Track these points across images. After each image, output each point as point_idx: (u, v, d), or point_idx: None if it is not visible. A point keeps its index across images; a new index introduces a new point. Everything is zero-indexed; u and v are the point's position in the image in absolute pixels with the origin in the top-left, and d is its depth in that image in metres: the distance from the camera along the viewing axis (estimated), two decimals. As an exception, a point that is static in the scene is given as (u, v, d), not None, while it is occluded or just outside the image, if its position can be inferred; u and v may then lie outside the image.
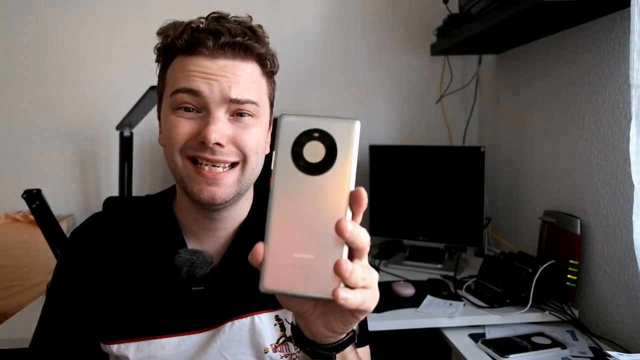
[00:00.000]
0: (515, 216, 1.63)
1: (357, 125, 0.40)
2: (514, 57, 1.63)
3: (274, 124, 0.39)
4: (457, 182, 1.58)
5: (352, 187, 0.40)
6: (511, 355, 1.03)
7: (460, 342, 1.13)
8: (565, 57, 1.33)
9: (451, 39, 1.55)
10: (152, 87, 1.39)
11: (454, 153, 1.61)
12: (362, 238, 0.40)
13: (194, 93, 0.64)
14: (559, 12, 1.14)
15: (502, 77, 1.72)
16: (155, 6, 1.74)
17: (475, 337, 1.14)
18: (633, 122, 0.96)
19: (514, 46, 1.60)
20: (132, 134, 1.61)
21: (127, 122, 1.55)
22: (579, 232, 1.23)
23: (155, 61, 0.72)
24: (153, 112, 1.59)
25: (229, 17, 0.69)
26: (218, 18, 0.68)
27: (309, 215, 0.40)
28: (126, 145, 1.60)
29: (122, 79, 1.75)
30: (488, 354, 1.06)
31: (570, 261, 1.23)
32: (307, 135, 0.40)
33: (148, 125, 1.66)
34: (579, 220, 1.23)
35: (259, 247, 0.40)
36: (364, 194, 0.40)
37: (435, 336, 1.22)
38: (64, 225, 1.55)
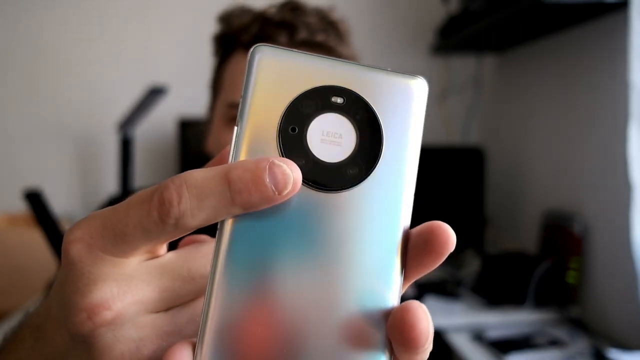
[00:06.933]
0: (515, 216, 1.63)
1: (423, 87, 0.21)
2: (513, 57, 1.63)
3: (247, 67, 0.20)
4: (457, 182, 1.58)
5: (407, 220, 0.20)
6: (511, 355, 1.03)
7: (460, 342, 1.13)
8: (565, 57, 1.33)
9: (451, 38, 1.55)
10: (152, 89, 1.39)
11: (453, 153, 1.61)
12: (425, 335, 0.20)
13: None
14: (558, 12, 1.14)
15: (502, 77, 1.72)
16: (156, 6, 1.74)
17: (475, 337, 1.14)
18: (633, 122, 0.96)
19: (513, 46, 1.60)
20: (132, 134, 1.61)
21: (127, 123, 1.55)
22: (579, 231, 1.23)
23: (214, 54, 0.62)
24: (153, 112, 1.59)
25: (306, 7, 0.57)
26: (294, 8, 0.56)
27: (306, 289, 0.18)
28: (126, 145, 1.60)
29: (122, 79, 1.75)
30: (488, 354, 1.06)
31: (571, 261, 1.23)
32: (316, 100, 0.19)
33: (148, 126, 1.66)
34: (579, 220, 1.23)
35: (179, 353, 0.18)
36: (447, 234, 0.20)
37: (435, 336, 1.21)
38: (64, 226, 1.55)
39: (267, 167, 0.18)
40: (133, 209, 0.19)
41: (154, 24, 1.70)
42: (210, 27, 0.74)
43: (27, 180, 1.72)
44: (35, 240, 1.45)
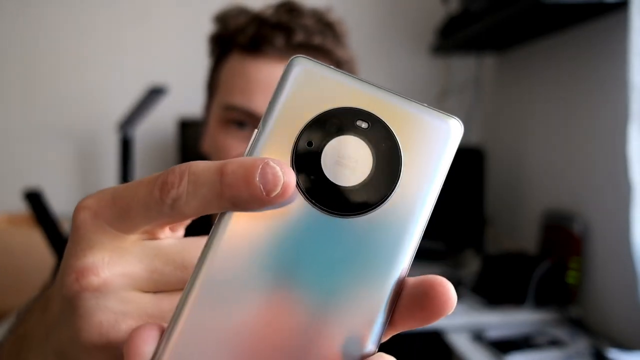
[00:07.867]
0: (515, 216, 1.63)
1: (457, 129, 0.19)
2: (514, 57, 1.63)
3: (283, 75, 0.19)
4: (457, 182, 1.58)
5: (405, 265, 0.18)
6: (511, 355, 1.03)
7: (460, 342, 1.13)
8: (565, 57, 1.33)
9: (451, 38, 1.56)
10: (152, 89, 1.39)
11: (454, 153, 1.61)
12: None
13: (253, 117, 0.52)
14: (558, 12, 1.14)
15: (502, 77, 1.72)
16: (157, 6, 1.74)
17: (475, 337, 1.14)
18: (633, 122, 0.96)
19: (513, 46, 1.60)
20: (132, 134, 1.61)
21: (127, 123, 1.55)
22: (579, 231, 1.23)
23: (210, 55, 0.62)
24: (153, 112, 1.59)
25: (303, 8, 0.57)
26: (290, 9, 0.56)
27: (283, 311, 0.17)
28: (126, 145, 1.60)
29: (122, 79, 1.75)
30: (488, 354, 1.06)
31: (571, 261, 1.23)
32: (341, 119, 0.18)
33: (148, 126, 1.66)
34: (579, 220, 1.24)
35: (146, 333, 0.18)
36: (448, 294, 0.18)
37: (434, 336, 1.22)
38: (64, 226, 1.55)
39: (261, 166, 0.17)
40: (141, 186, 0.20)
41: (154, 23, 1.70)
42: (210, 27, 0.75)
43: (27, 180, 1.72)
44: (35, 240, 1.45)
